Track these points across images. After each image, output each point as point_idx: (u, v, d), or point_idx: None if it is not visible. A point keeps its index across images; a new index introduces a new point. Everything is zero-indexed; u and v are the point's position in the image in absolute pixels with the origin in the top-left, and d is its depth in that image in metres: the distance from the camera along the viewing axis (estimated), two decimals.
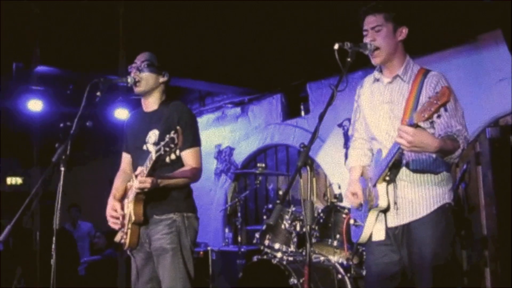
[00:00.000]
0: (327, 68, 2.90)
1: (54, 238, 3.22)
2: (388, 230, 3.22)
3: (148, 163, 3.42)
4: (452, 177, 3.29)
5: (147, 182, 3.43)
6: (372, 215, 3.21)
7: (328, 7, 5.64)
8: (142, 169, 3.48)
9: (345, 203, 5.23)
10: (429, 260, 3.06)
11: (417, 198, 3.15)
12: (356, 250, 4.77)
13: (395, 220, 3.19)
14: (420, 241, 3.11)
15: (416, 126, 2.74)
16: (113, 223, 3.79)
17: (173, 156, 3.30)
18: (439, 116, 2.68)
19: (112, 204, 3.81)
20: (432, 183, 3.16)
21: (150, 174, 3.45)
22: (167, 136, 3.27)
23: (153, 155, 3.35)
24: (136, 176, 3.53)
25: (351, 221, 3.41)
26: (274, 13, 5.98)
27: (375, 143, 3.36)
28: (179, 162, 3.69)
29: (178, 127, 3.30)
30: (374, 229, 3.25)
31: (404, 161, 3.15)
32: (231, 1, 5.74)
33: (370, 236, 3.28)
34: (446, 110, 2.69)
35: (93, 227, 9.79)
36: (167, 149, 3.26)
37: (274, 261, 5.00)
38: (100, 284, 8.18)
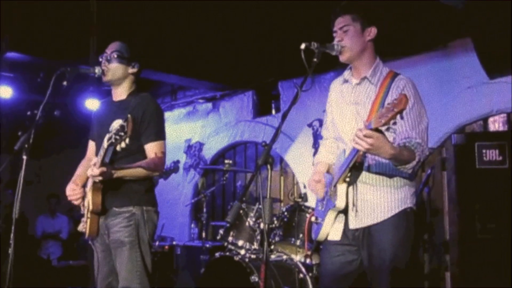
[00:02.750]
0: (299, 67, 2.89)
1: (12, 228, 3.18)
2: (348, 231, 3.23)
3: (102, 152, 3.41)
4: (415, 181, 3.32)
5: (98, 172, 3.39)
6: (331, 214, 3.21)
7: (303, 6, 5.65)
8: (97, 159, 3.45)
9: (310, 203, 5.26)
10: (388, 263, 3.08)
11: (378, 201, 3.16)
12: (316, 248, 4.79)
13: (355, 222, 3.20)
14: (380, 244, 3.12)
15: (376, 130, 2.75)
16: (74, 199, 3.78)
17: (123, 144, 3.27)
18: (395, 123, 2.70)
19: (70, 186, 3.81)
20: (394, 187, 3.18)
21: (103, 163, 3.42)
22: (118, 124, 3.26)
23: (105, 144, 3.34)
24: (92, 166, 3.50)
25: (313, 218, 3.41)
26: (249, 10, 5.96)
27: (340, 143, 3.38)
28: (137, 154, 3.67)
29: (129, 115, 3.27)
30: (332, 229, 3.25)
31: (366, 164, 3.17)
32: None
33: (327, 235, 3.29)
34: (402, 118, 2.70)
35: (68, 220, 9.75)
36: (117, 137, 3.24)
37: (237, 258, 5.00)
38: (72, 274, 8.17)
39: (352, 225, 3.21)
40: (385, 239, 3.12)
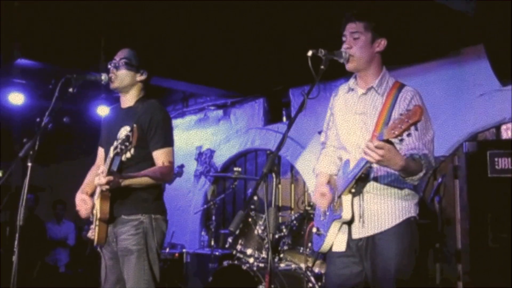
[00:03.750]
0: (310, 74, 2.88)
1: (17, 235, 3.16)
2: (351, 242, 3.20)
3: (108, 161, 3.40)
4: (420, 190, 3.29)
5: (104, 180, 3.38)
6: (335, 226, 3.19)
7: (314, 13, 5.63)
8: (104, 168, 3.44)
9: None
10: (393, 273, 3.04)
11: (382, 210, 3.13)
12: (316, 259, 4.76)
13: (360, 232, 3.16)
14: (384, 254, 3.09)
15: (386, 141, 2.72)
16: (84, 214, 3.78)
17: (128, 155, 3.27)
18: (409, 135, 2.66)
19: (80, 197, 3.80)
20: (397, 196, 3.15)
21: (110, 172, 3.40)
22: (124, 133, 3.25)
23: (111, 153, 3.35)
24: (99, 175, 3.50)
25: (314, 229, 3.38)
26: (260, 17, 5.96)
27: (344, 152, 3.34)
28: (145, 161, 3.66)
29: (134, 125, 3.26)
30: (336, 240, 3.22)
31: (372, 175, 3.13)
32: (217, 4, 5.71)
33: (331, 246, 3.26)
34: (416, 129, 2.67)
35: (75, 226, 9.75)
36: (123, 147, 3.24)
37: (245, 267, 4.97)
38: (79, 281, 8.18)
39: (356, 235, 3.18)
40: (389, 248, 3.09)
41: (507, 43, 5.01)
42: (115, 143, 3.34)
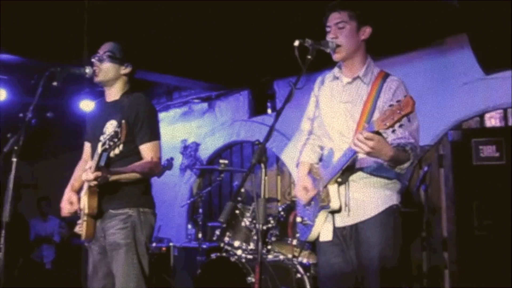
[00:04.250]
0: (295, 66, 2.87)
1: (3, 232, 3.14)
2: (336, 230, 3.21)
3: (96, 157, 3.37)
4: (405, 180, 3.30)
5: (92, 176, 3.35)
6: (322, 215, 3.19)
7: (297, 4, 5.62)
8: (92, 163, 3.42)
9: None
10: (377, 261, 3.06)
11: (367, 199, 3.15)
12: (302, 248, 4.78)
13: (344, 220, 3.18)
14: (368, 242, 3.11)
15: (376, 133, 2.72)
16: (66, 213, 3.77)
17: (116, 151, 3.26)
18: (401, 126, 2.67)
19: (68, 196, 3.78)
20: (381, 185, 3.17)
21: (98, 167, 3.38)
22: (112, 130, 3.23)
23: (99, 149, 3.32)
24: (87, 170, 3.47)
25: (298, 219, 3.38)
26: (243, 9, 5.94)
27: (327, 141, 3.34)
28: (132, 156, 3.64)
29: (123, 122, 3.24)
30: (323, 229, 3.23)
31: (357, 164, 3.14)
32: None
33: (318, 236, 3.27)
34: (409, 120, 2.68)
35: (59, 222, 9.69)
36: (111, 143, 3.22)
37: (233, 259, 4.97)
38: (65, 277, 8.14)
39: (341, 223, 3.19)
40: (372, 236, 3.11)
41: (490, 32, 5.04)
42: (103, 139, 3.31)
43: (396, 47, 6.10)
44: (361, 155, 3.02)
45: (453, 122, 6.04)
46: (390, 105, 2.65)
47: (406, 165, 2.98)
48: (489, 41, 5.08)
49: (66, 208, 3.76)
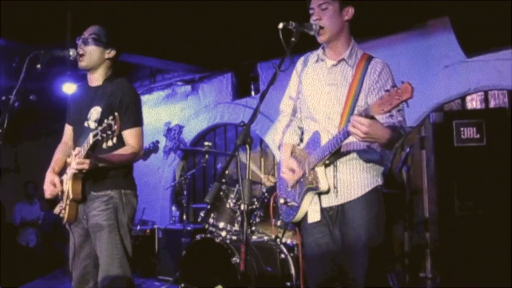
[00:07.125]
0: (278, 48, 2.87)
1: None
2: (323, 210, 3.24)
3: (86, 146, 3.36)
4: (387, 161, 3.33)
5: (85, 164, 3.37)
6: (308, 197, 3.21)
7: None
8: (80, 150, 3.42)
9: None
10: (363, 240, 3.09)
11: (353, 180, 3.17)
12: (285, 229, 4.81)
13: (331, 201, 3.20)
14: (354, 222, 3.13)
15: (371, 117, 2.74)
16: (49, 195, 3.76)
17: (110, 143, 3.24)
18: (399, 111, 2.68)
19: (51, 179, 3.75)
20: (366, 165, 3.20)
21: (88, 155, 3.39)
22: (105, 121, 3.22)
23: (90, 139, 3.30)
24: (75, 156, 3.46)
25: (281, 201, 3.40)
26: None
27: (312, 123, 3.33)
28: (119, 142, 3.65)
29: (116, 114, 3.23)
30: (310, 210, 3.25)
31: (343, 147, 3.15)
32: None
33: (304, 217, 3.29)
34: (407, 106, 2.68)
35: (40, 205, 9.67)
36: (104, 135, 3.20)
37: (218, 240, 5.01)
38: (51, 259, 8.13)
39: (328, 204, 3.22)
40: (359, 216, 3.13)
41: (472, 15, 5.08)
42: (94, 128, 3.29)
43: (379, 30, 6.12)
44: (349, 139, 3.03)
45: (435, 104, 6.10)
46: (387, 90, 2.63)
47: (398, 144, 3.02)
48: (471, 24, 5.12)
49: (49, 189, 3.75)
